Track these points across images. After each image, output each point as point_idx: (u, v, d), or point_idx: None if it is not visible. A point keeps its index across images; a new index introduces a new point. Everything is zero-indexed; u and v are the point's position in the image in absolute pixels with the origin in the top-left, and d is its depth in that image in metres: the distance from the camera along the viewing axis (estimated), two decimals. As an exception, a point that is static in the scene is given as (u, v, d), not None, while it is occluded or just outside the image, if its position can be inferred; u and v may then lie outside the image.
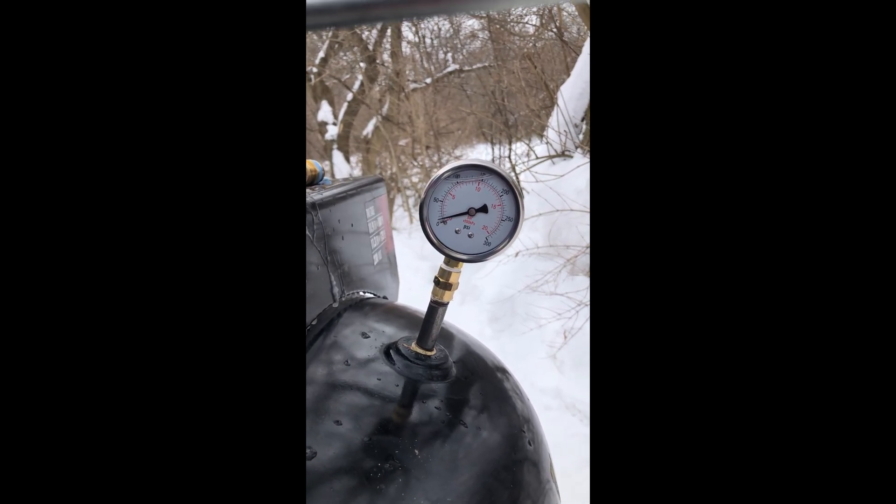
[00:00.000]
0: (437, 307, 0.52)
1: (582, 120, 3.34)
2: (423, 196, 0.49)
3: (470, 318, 3.06)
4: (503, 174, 0.48)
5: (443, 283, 0.51)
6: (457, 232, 0.49)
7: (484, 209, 0.49)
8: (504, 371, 0.63)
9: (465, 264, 0.51)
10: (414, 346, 0.53)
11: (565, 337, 2.50)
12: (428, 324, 0.52)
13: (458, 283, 0.52)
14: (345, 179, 0.92)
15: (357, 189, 0.80)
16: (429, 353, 0.53)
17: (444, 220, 0.49)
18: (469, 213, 0.49)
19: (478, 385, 0.55)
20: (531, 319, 2.67)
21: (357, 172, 7.01)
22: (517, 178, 4.60)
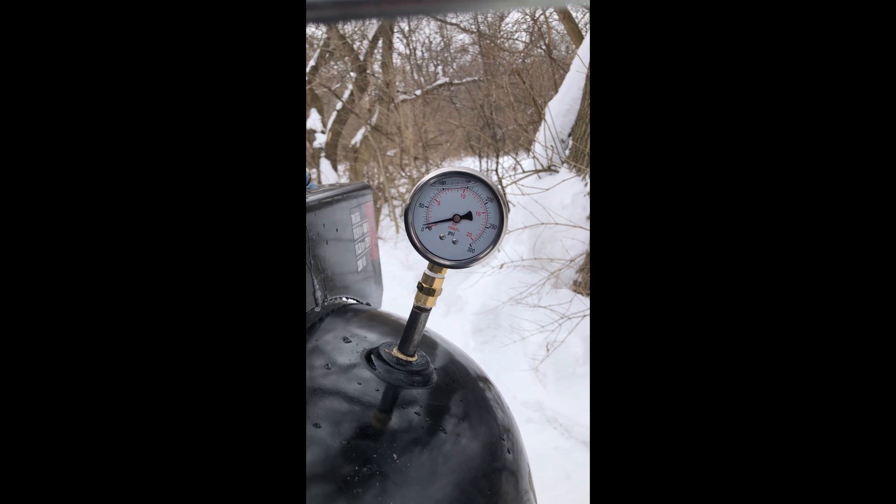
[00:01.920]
0: (419, 313, 0.52)
1: (569, 136, 3.39)
2: (408, 201, 0.49)
3: (454, 329, 3.05)
4: (488, 182, 0.49)
5: (426, 288, 0.51)
6: (441, 238, 0.49)
7: (468, 216, 0.49)
8: (486, 380, 0.63)
9: (448, 271, 0.51)
10: (395, 352, 0.52)
11: (548, 349, 2.51)
12: (410, 329, 0.52)
13: (441, 289, 0.52)
14: (331, 185, 0.92)
15: (343, 195, 0.80)
16: (410, 359, 0.52)
17: (428, 226, 0.49)
18: (454, 219, 0.49)
19: (459, 393, 0.55)
20: (515, 331, 2.67)
21: (344, 181, 6.98)
22: (504, 190, 4.62)
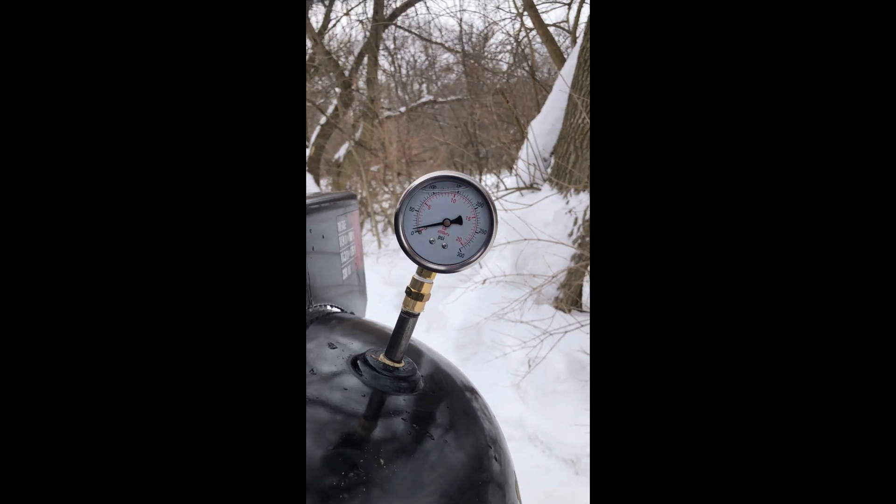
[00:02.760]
0: (407, 318, 0.51)
1: (551, 154, 3.44)
2: (398, 205, 0.49)
3: (436, 345, 3.01)
4: (479, 187, 0.49)
5: (415, 293, 0.51)
6: (431, 242, 0.49)
7: (458, 221, 0.49)
8: (473, 391, 0.62)
9: (434, 284, 0.51)
10: (382, 358, 0.51)
11: (529, 366, 2.50)
12: (397, 335, 0.51)
13: (429, 295, 0.52)
14: (316, 193, 0.91)
15: (329, 202, 0.79)
16: (397, 365, 0.51)
17: (418, 230, 0.49)
18: (444, 223, 0.49)
19: (446, 400, 0.54)
20: (496, 348, 2.66)
21: (327, 195, 6.95)
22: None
